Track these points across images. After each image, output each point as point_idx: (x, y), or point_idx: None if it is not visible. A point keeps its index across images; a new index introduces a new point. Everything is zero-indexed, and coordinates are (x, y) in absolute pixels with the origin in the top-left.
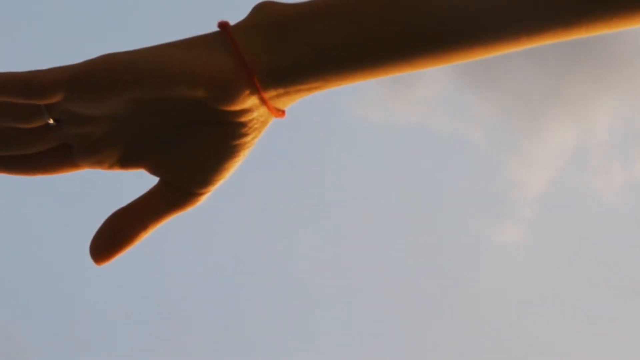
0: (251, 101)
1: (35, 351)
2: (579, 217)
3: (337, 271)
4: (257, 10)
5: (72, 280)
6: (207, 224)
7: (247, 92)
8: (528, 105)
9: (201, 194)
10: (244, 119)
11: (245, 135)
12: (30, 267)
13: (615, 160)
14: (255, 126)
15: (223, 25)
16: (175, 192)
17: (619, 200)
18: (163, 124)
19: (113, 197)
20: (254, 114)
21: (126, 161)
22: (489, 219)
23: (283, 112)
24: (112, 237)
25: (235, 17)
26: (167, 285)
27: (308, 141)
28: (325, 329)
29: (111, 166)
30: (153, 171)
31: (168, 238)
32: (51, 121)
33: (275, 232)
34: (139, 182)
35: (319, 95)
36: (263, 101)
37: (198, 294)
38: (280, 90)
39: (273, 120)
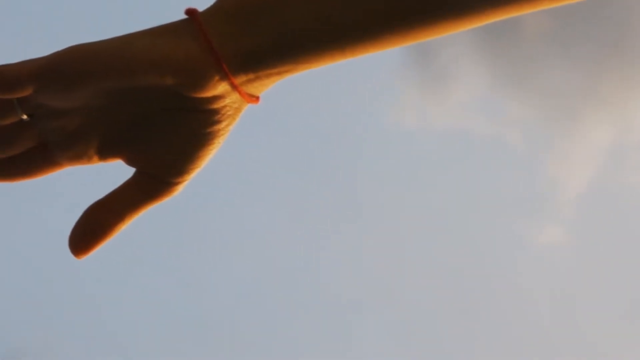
0: (222, 87)
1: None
2: (619, 215)
3: (376, 279)
4: None
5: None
6: (244, 232)
7: (217, 78)
8: (564, 105)
9: (177, 183)
10: (216, 105)
11: (219, 122)
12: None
13: None
14: (229, 113)
15: (190, 12)
16: (151, 182)
17: None
18: (136, 113)
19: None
20: (226, 101)
21: (104, 153)
22: (529, 221)
23: (257, 98)
24: (89, 230)
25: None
26: (200, 294)
27: (343, 150)
28: (363, 336)
29: (90, 159)
30: (129, 161)
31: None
32: (25, 117)
33: (309, 242)
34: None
35: (352, 103)
36: (234, 87)
37: (235, 302)
38: (251, 75)
39: (249, 107)
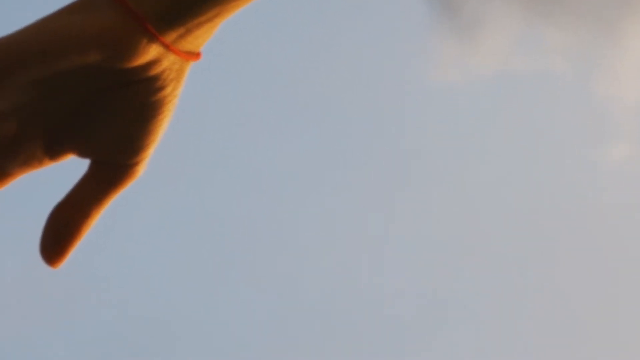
0: (154, 50)
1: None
2: None
3: (462, 232)
4: None
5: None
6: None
7: (144, 41)
8: (603, 19)
9: (135, 164)
10: (153, 71)
11: (162, 88)
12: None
13: None
14: (171, 76)
15: None
16: (109, 169)
17: None
18: (73, 101)
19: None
20: (164, 64)
21: (52, 151)
22: (596, 144)
23: (197, 54)
24: (58, 235)
25: None
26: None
27: (397, 117)
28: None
29: (41, 162)
30: (81, 153)
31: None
32: None
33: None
34: None
35: (391, 68)
36: (166, 47)
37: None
38: (181, 30)
39: (193, 65)
